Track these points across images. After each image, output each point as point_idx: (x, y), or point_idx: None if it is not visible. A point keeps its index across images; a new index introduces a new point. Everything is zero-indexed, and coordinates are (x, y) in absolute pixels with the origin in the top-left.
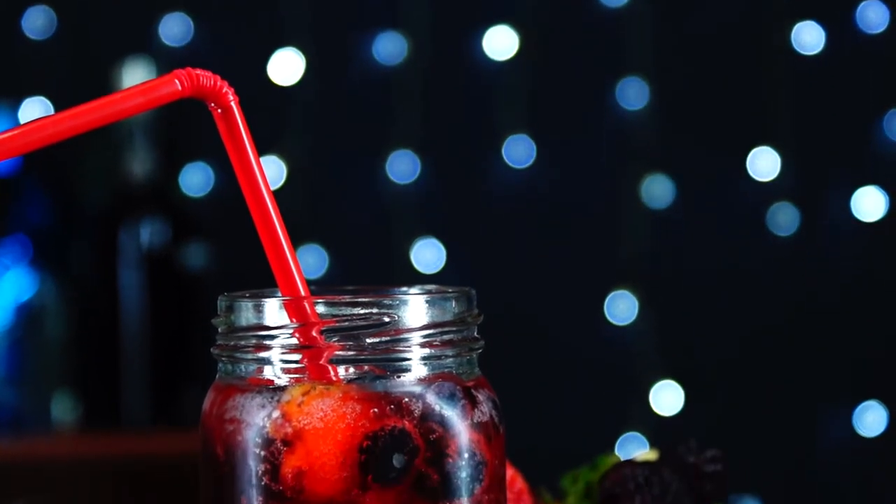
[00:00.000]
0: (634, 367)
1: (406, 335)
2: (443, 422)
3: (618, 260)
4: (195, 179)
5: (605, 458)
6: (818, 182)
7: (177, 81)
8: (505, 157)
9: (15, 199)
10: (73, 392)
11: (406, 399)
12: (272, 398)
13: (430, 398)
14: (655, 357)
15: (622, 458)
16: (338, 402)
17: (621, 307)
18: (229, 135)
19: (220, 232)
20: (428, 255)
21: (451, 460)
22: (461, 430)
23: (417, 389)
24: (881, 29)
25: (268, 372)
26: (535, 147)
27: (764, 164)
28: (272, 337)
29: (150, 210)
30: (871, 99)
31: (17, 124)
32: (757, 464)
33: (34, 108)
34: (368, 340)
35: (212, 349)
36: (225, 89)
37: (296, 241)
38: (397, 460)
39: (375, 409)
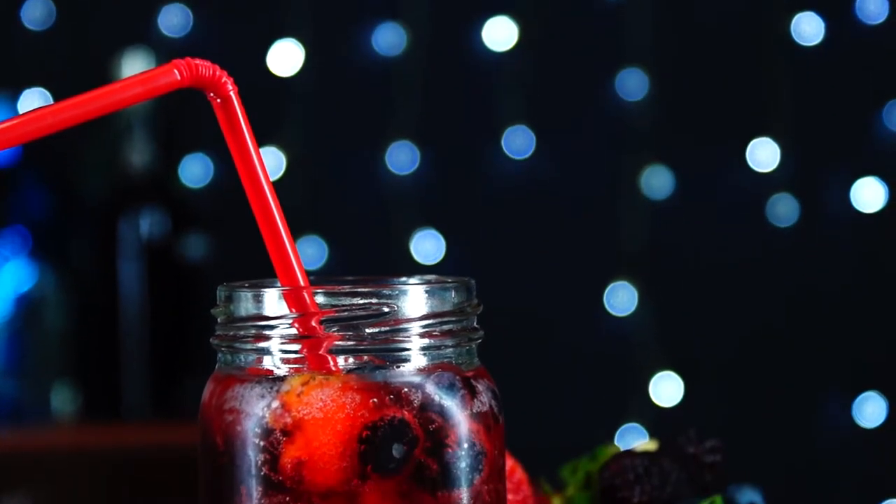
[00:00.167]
0: (634, 358)
1: (405, 325)
2: (442, 412)
3: (617, 251)
4: (194, 170)
5: (605, 449)
6: (818, 173)
7: (176, 71)
8: (504, 148)
9: (14, 190)
10: (72, 383)
11: (405, 389)
12: (271, 388)
13: (430, 388)
14: (655, 348)
15: (622, 449)
16: (337, 392)
17: (621, 298)
18: (228, 125)
19: (219, 223)
20: (427, 246)
21: (450, 450)
22: (460, 420)
23: (417, 379)
24: (881, 20)
25: (267, 362)
26: (534, 138)
27: (763, 154)
28: (272, 327)
29: (149, 201)
30: (871, 90)
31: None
32: (756, 454)
33: (33, 99)
34: (368, 330)
35: (211, 339)
36: (224, 79)
37: (295, 232)
38: (397, 450)
39: (375, 400)
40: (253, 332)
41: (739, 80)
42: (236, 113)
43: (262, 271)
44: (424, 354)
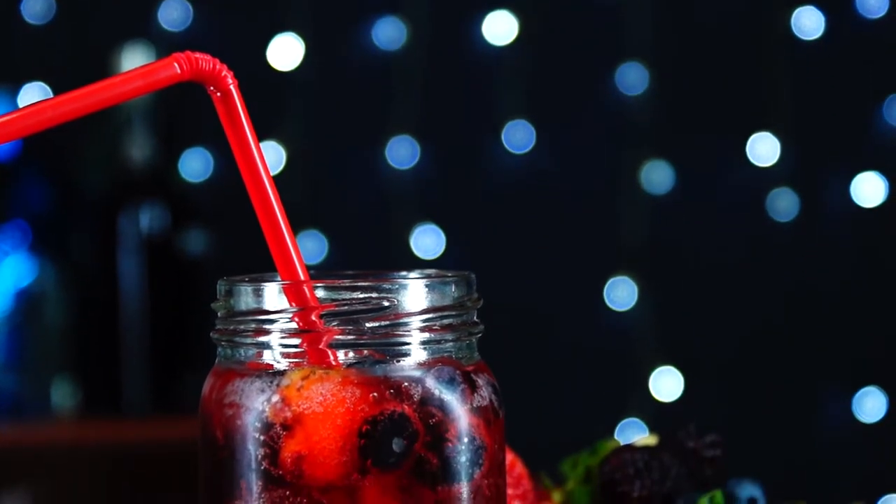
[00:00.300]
0: (634, 353)
1: (406, 319)
2: (442, 406)
3: (617, 245)
4: (194, 165)
5: (605, 444)
6: (818, 167)
7: (176, 65)
8: (504, 143)
9: (14, 184)
10: (72, 378)
11: (405, 383)
12: (272, 382)
13: (430, 382)
14: (655, 343)
15: (622, 444)
16: (337, 386)
17: (621, 293)
18: (228, 119)
19: (219, 217)
20: (427, 240)
21: (450, 445)
22: (461, 414)
23: (417, 374)
24: (881, 14)
25: (267, 356)
26: (534, 132)
27: (764, 149)
28: (272, 321)
29: (149, 195)
30: (871, 84)
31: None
32: (756, 449)
33: (33, 94)
34: (368, 325)
35: (211, 333)
36: (224, 73)
37: (295, 227)
38: (397, 445)
39: (375, 394)
40: (253, 326)
41: (739, 74)
42: (236, 107)
43: (262, 266)
44: (424, 349)
